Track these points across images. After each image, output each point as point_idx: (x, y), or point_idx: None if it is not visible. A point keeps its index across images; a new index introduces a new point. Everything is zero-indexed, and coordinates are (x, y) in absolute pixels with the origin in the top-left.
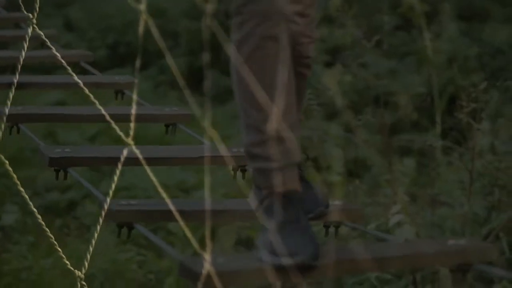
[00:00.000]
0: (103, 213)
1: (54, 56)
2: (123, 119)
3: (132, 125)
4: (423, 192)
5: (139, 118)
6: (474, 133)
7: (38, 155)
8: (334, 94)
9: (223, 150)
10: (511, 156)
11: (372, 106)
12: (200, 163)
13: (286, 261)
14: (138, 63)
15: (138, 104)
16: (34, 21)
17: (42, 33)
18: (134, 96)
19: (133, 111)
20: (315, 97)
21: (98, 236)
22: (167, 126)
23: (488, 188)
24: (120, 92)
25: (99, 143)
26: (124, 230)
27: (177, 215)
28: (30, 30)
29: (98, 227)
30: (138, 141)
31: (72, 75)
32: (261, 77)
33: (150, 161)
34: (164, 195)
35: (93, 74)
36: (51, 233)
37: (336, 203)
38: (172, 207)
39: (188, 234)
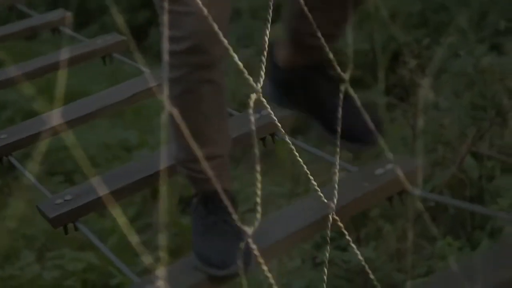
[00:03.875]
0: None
1: None
2: (60, 66)
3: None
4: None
5: (74, 60)
6: (417, 89)
7: None
8: None
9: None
10: (454, 112)
11: None
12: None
13: (215, 272)
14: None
15: (73, 40)
16: None
17: None
18: None
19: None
20: (258, 54)
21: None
22: (103, 58)
23: (432, 145)
24: (56, 30)
25: (40, 103)
26: (71, 226)
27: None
28: None
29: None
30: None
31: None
32: (193, 117)
33: (92, 115)
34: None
35: (28, 15)
36: None
37: (264, 113)
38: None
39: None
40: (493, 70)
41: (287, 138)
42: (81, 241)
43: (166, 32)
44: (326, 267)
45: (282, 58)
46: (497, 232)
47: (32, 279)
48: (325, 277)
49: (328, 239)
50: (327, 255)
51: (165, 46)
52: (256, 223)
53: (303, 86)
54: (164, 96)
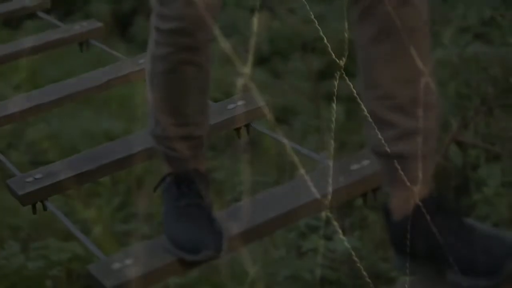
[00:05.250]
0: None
1: None
2: (35, 51)
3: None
4: (351, 138)
5: (50, 45)
6: None
7: None
8: (262, 40)
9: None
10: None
11: (300, 52)
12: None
13: (187, 257)
14: None
15: (50, 26)
16: None
17: None
18: None
19: None
20: (242, 43)
21: None
22: (80, 44)
23: None
24: (32, 15)
25: (24, 91)
26: (39, 205)
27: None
28: None
29: None
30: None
31: None
32: (173, 96)
33: (63, 100)
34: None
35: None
36: None
37: (240, 103)
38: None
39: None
40: (478, 59)
41: (266, 129)
42: (66, 231)
43: (156, 7)
44: (320, 257)
45: (395, 204)
46: (481, 222)
47: (17, 269)
48: (319, 267)
49: (323, 237)
50: (321, 249)
51: (153, 21)
52: (243, 221)
53: (421, 233)
54: (146, 70)
